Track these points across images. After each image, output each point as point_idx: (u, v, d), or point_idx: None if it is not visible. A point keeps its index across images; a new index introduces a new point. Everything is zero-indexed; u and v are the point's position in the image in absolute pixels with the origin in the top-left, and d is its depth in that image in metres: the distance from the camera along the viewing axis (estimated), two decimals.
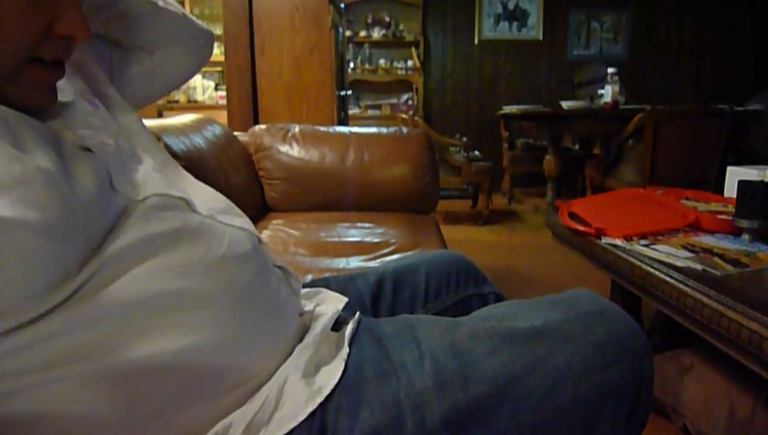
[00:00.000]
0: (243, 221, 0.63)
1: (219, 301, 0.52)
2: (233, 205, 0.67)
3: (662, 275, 1.01)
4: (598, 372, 0.57)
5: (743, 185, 1.15)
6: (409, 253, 1.39)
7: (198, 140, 1.60)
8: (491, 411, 0.53)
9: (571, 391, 0.55)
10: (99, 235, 0.46)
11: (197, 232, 0.53)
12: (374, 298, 0.82)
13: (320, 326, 0.63)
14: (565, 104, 3.81)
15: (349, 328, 0.62)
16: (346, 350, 0.58)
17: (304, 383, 0.53)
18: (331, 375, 0.55)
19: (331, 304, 0.70)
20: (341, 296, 0.73)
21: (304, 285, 0.80)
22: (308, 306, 0.68)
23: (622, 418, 0.58)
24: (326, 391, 0.52)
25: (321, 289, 0.76)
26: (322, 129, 2.14)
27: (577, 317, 0.61)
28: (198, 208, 0.57)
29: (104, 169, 0.51)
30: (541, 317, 0.61)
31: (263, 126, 2.11)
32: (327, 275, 1.22)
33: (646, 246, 1.14)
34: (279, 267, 0.65)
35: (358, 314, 0.67)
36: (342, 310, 0.69)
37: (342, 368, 0.55)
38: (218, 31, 5.49)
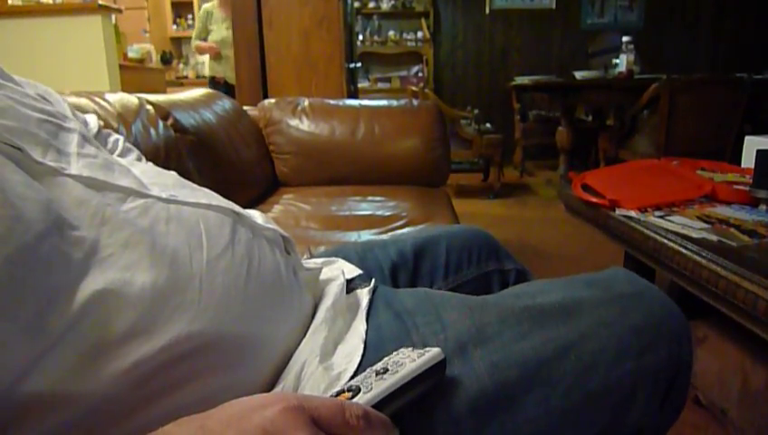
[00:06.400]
0: (209, 197, 0.57)
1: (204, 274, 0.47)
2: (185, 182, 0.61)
3: (677, 247, 0.99)
4: (632, 358, 0.55)
5: (761, 154, 1.12)
6: (423, 225, 1.38)
7: (209, 115, 1.59)
8: (519, 398, 0.51)
9: (603, 376, 0.53)
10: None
11: (169, 220, 0.48)
12: (394, 268, 0.79)
13: (331, 298, 0.60)
14: (578, 74, 3.74)
15: (364, 301, 0.61)
16: (364, 327, 0.56)
17: (323, 369, 0.51)
18: (350, 359, 0.53)
19: (341, 271, 0.67)
20: (355, 268, 0.71)
21: (319, 255, 0.79)
22: (322, 275, 0.67)
23: (656, 402, 0.57)
24: (346, 377, 0.50)
25: (337, 259, 0.74)
26: (332, 102, 2.13)
27: (612, 299, 0.59)
28: (155, 192, 0.51)
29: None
30: (574, 299, 0.59)
31: (272, 100, 2.09)
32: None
33: (661, 217, 1.13)
34: (283, 237, 0.62)
35: (373, 281, 0.65)
36: (357, 278, 0.68)
37: (362, 350, 0.53)
38: None
